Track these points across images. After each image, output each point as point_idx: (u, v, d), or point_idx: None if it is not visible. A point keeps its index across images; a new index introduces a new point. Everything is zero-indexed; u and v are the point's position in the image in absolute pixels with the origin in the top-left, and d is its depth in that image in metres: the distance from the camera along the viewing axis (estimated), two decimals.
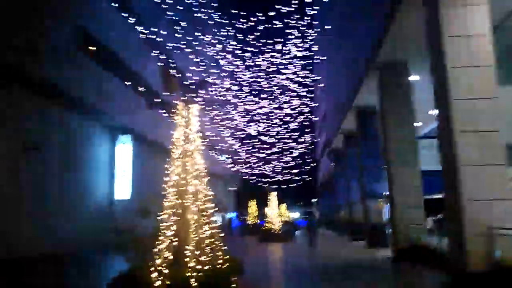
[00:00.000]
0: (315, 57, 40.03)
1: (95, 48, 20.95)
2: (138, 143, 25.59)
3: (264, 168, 54.66)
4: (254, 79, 40.94)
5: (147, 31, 26.24)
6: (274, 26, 30.02)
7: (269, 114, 44.16)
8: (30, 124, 17.67)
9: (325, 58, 32.71)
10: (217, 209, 8.63)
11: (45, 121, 18.69)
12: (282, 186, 56.46)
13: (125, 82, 23.70)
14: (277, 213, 27.80)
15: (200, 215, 7.69)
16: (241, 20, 31.32)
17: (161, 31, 27.85)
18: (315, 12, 30.68)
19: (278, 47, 34.65)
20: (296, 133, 49.80)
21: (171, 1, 27.39)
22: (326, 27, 27.52)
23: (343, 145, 25.78)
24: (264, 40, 33.48)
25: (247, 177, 58.59)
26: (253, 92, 43.61)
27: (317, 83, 43.53)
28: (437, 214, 21.47)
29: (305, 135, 52.10)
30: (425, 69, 14.74)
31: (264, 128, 48.76)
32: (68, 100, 19.61)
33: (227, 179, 57.81)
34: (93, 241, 20.38)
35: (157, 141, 26.90)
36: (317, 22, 33.95)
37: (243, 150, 55.51)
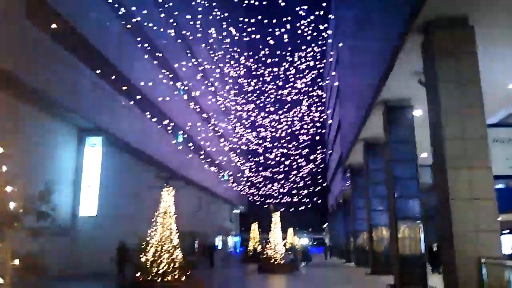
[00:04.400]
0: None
1: (56, 26, 16.70)
2: (111, 147, 20.95)
3: (270, 188, 49.80)
4: (259, 89, 36.79)
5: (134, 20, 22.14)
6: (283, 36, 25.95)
7: (276, 127, 39.70)
8: None
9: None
10: None
11: None
12: (290, 209, 51.62)
13: (96, 72, 19.34)
14: (281, 238, 22.89)
15: None
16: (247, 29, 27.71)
17: (149, 20, 23.81)
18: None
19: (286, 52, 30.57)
20: (305, 150, 45.21)
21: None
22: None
23: (364, 156, 20.96)
24: (270, 47, 29.44)
25: (251, 197, 53.77)
26: (258, 103, 39.42)
27: (331, 83, 38.67)
28: None
29: (315, 153, 47.44)
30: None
31: (270, 143, 44.24)
32: (25, 92, 15.29)
33: (232, 201, 52.90)
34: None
35: (134, 145, 22.41)
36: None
37: (247, 167, 50.89)
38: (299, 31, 25.17)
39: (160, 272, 11.20)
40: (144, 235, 12.51)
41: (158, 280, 11.07)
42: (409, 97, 14.91)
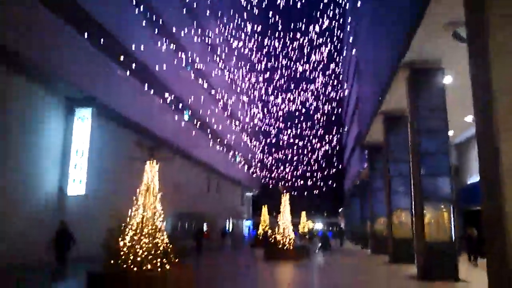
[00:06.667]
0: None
1: None
2: (102, 119, 19.02)
3: (283, 170, 47.92)
4: (272, 65, 34.62)
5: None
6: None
7: (290, 105, 37.60)
8: None
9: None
10: None
11: None
12: (304, 193, 49.78)
13: (85, 36, 17.37)
14: (290, 221, 20.92)
15: None
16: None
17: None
18: None
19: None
20: (320, 130, 43.10)
21: None
22: None
23: (384, 131, 18.71)
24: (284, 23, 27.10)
25: (263, 180, 51.95)
26: (271, 80, 37.28)
27: (348, 54, 35.89)
28: None
29: (331, 134, 45.28)
30: None
31: (283, 123, 42.26)
32: (6, 56, 13.53)
33: (244, 183, 51.04)
34: (33, 254, 14.38)
35: (129, 118, 20.54)
36: None
37: (258, 148, 48.95)
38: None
39: (138, 259, 9.31)
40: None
41: (135, 269, 9.19)
42: (439, 57, 12.66)
